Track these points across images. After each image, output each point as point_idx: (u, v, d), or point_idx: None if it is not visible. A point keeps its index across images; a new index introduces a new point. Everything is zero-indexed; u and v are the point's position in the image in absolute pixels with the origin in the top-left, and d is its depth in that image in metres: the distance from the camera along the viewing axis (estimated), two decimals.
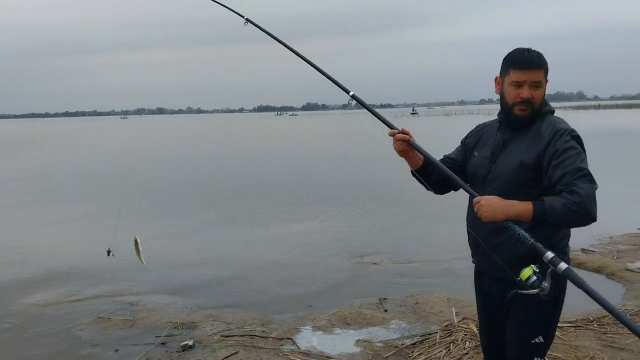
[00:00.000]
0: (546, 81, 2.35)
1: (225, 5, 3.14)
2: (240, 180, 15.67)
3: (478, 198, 2.24)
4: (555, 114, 2.42)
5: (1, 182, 16.76)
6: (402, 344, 4.28)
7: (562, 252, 2.31)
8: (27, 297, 5.88)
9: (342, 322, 4.85)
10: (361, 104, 2.63)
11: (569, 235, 2.41)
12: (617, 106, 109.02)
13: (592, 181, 2.16)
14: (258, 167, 19.47)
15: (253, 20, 2.89)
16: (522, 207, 2.16)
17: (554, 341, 4.02)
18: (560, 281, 2.31)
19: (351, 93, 2.59)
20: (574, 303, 4.98)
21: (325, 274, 6.60)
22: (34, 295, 5.96)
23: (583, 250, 6.95)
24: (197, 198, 12.86)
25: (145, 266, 4.32)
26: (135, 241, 3.69)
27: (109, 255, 5.07)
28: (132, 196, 13.32)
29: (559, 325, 4.33)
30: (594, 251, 6.88)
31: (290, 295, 5.88)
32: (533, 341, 2.40)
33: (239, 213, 10.73)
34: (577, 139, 2.27)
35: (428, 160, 2.50)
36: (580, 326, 4.38)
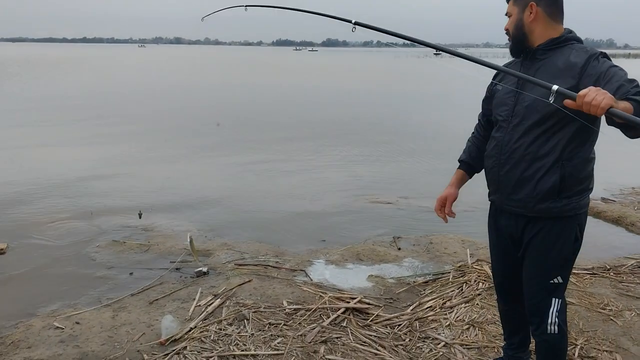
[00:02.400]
0: (525, 10, 2.33)
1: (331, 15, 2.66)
2: (262, 117, 15.51)
3: (584, 91, 1.86)
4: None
5: (30, 103, 16.80)
6: (414, 282, 4.28)
7: (587, 189, 2.36)
8: (43, 219, 5.95)
9: (355, 258, 4.86)
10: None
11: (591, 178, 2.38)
12: None
13: None
14: (282, 104, 19.25)
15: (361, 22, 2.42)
16: (623, 103, 1.91)
17: (568, 287, 4.01)
18: (581, 221, 2.38)
19: None
20: (591, 251, 4.98)
21: (339, 210, 6.59)
22: (50, 216, 6.03)
23: (603, 199, 6.83)
24: (219, 131, 12.81)
25: (198, 262, 4.62)
26: (191, 240, 4.45)
27: (140, 217, 5.41)
28: (157, 123, 13.37)
29: (574, 271, 4.33)
30: (614, 201, 6.76)
31: (305, 230, 5.88)
32: (552, 281, 2.39)
33: (259, 148, 10.67)
34: (608, 57, 2.21)
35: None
36: (597, 274, 4.33)
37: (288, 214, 6.40)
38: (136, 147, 10.46)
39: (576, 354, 3.13)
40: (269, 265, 4.58)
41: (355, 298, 3.83)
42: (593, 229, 5.93)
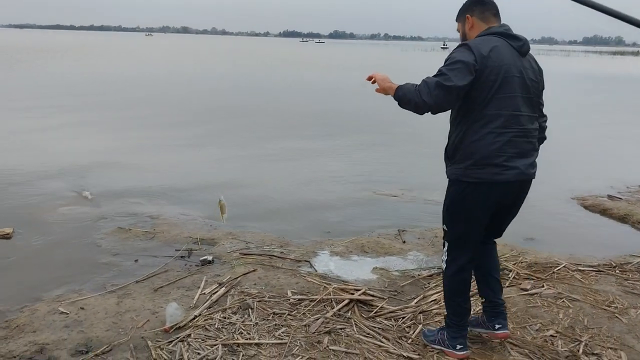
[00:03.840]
0: (465, 23, 2.88)
1: None
2: (269, 109, 15.44)
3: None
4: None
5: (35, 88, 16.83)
6: (418, 275, 4.27)
7: (467, 159, 2.74)
8: (49, 205, 5.97)
9: (359, 250, 4.85)
10: None
11: (475, 153, 2.70)
12: None
13: (440, 74, 2.59)
14: (288, 97, 19.17)
15: None
16: (391, 84, 2.77)
17: (573, 284, 4.01)
18: (466, 189, 2.76)
19: None
20: (597, 248, 4.97)
21: (344, 203, 6.58)
22: (57, 202, 6.05)
23: (610, 196, 6.80)
24: (223, 122, 12.77)
25: (225, 224, 4.66)
26: (221, 203, 4.19)
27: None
28: (165, 113, 13.38)
29: (579, 268, 4.32)
30: (620, 198, 6.72)
31: (309, 221, 5.88)
32: (443, 227, 2.98)
33: (266, 140, 10.63)
34: (464, 45, 2.67)
35: None
36: (602, 271, 4.31)
37: (293, 205, 6.39)
38: (143, 135, 10.48)
39: (580, 351, 3.13)
40: (273, 256, 4.58)
41: (359, 290, 3.82)
42: (599, 226, 5.92)
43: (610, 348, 3.18)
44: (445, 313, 3.08)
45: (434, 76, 2.62)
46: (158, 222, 5.50)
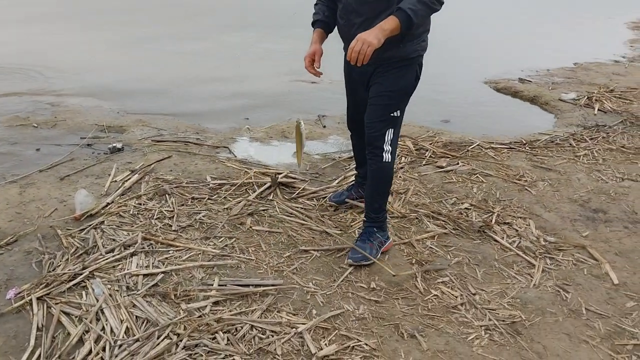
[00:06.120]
0: None
1: None
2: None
3: (352, 43, 2.30)
4: None
5: None
6: (339, 157, 4.25)
7: (425, 32, 2.61)
8: None
9: (279, 135, 4.74)
10: None
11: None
12: None
13: None
14: None
15: None
16: (391, 24, 2.31)
17: (487, 160, 4.16)
18: (421, 61, 2.65)
19: None
20: (509, 127, 5.15)
21: (262, 89, 6.35)
22: None
23: (520, 79, 7.00)
24: (139, 14, 11.75)
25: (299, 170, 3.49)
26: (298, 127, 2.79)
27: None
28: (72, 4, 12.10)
29: (492, 146, 4.47)
30: (530, 81, 6.95)
31: (226, 107, 5.64)
32: (392, 115, 2.65)
33: (177, 27, 9.95)
34: None
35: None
36: (514, 148, 4.48)
37: (207, 93, 6.09)
38: (49, 27, 9.46)
39: (493, 221, 3.27)
40: (189, 142, 4.37)
41: (281, 173, 3.75)
42: (511, 107, 6.13)
43: (520, 217, 3.35)
44: (374, 217, 2.88)
45: None
46: (59, 109, 5.06)
